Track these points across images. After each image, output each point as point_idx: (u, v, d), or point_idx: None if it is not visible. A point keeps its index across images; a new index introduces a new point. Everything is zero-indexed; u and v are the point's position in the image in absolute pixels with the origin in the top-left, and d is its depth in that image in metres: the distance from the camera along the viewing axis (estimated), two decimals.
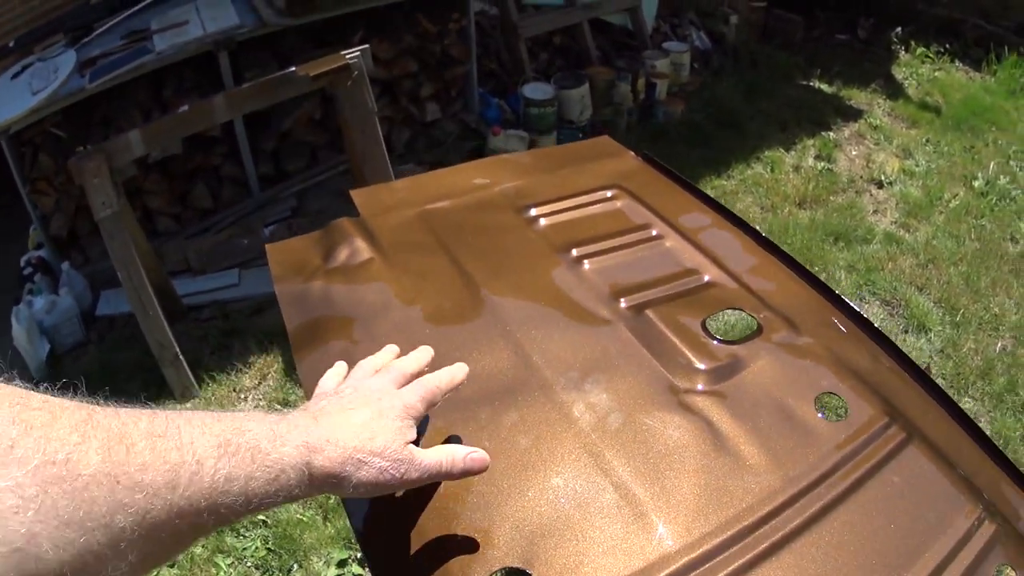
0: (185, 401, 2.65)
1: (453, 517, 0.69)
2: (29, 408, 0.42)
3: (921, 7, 5.53)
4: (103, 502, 0.41)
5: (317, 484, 0.56)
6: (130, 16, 3.26)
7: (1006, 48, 5.14)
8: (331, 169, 3.66)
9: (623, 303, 0.93)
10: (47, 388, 0.45)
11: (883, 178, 3.94)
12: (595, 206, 1.16)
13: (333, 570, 2.04)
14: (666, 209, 1.14)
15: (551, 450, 0.73)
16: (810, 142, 4.25)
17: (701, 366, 0.83)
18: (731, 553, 0.67)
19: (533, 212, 1.14)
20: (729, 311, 0.97)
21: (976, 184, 3.92)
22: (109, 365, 2.86)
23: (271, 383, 2.73)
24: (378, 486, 0.59)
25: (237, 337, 2.94)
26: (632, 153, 1.36)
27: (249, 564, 2.09)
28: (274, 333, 2.91)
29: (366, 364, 0.71)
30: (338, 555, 2.07)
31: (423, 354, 0.73)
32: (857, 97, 4.77)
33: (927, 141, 4.33)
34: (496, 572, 0.65)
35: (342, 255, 1.02)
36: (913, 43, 5.36)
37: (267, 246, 1.06)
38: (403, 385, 0.67)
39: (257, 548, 2.10)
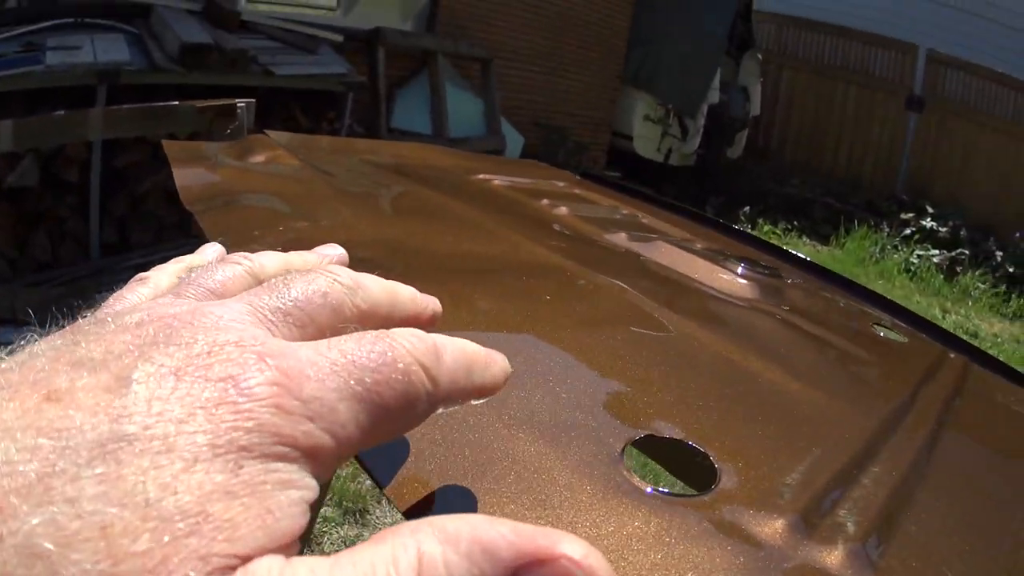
0: None
1: None
2: None
3: (771, 187, 5.97)
4: None
5: None
6: (32, 32, 3.09)
7: (855, 222, 5.41)
8: (175, 249, 3.33)
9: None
10: None
11: None
12: (551, 184, 1.05)
13: None
14: (618, 200, 1.06)
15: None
16: None
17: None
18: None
19: (484, 176, 1.00)
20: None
21: None
22: None
23: None
24: None
25: None
26: (568, 172, 1.29)
27: None
28: None
29: (208, 252, 0.30)
30: None
31: (333, 249, 0.30)
32: None
33: None
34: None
35: (262, 157, 0.82)
36: (761, 221, 5.63)
37: (164, 142, 0.83)
38: (313, 335, 0.21)
39: None
